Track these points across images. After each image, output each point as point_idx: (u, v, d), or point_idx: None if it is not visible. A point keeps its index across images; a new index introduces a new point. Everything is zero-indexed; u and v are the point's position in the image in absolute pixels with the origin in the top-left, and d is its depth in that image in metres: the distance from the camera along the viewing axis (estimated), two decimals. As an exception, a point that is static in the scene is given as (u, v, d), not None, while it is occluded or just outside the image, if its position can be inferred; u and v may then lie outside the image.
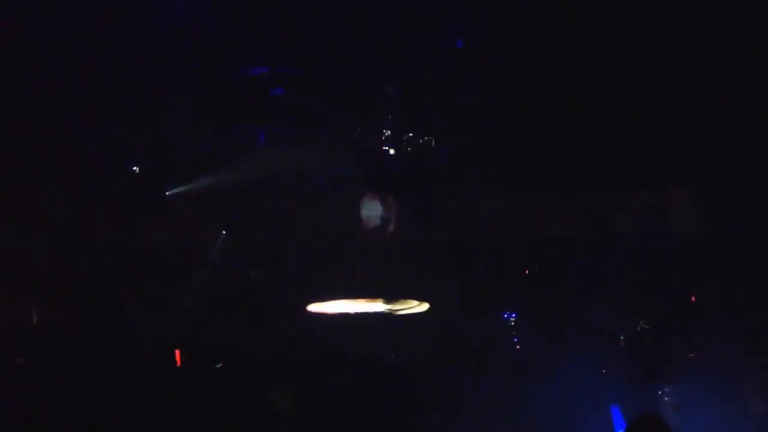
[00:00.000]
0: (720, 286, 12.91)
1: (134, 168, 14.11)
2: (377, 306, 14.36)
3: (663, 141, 12.69)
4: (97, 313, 13.14)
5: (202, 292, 14.35)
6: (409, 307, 14.39)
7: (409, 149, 13.83)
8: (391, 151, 14.05)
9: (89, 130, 12.75)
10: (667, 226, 13.78)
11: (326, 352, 13.12)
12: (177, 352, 12.91)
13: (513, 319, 13.93)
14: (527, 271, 14.24)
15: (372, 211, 14.42)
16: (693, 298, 13.34)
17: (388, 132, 13.79)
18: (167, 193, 14.05)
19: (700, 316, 12.72)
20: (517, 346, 13.57)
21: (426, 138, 13.58)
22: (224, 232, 14.69)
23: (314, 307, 14.22)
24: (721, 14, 10.81)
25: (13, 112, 11.86)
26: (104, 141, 12.97)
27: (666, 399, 10.28)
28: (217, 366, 12.96)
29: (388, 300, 14.33)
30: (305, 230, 14.56)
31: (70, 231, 13.45)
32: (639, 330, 12.65)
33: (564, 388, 10.27)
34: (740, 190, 12.59)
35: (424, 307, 14.35)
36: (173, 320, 13.68)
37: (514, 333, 13.76)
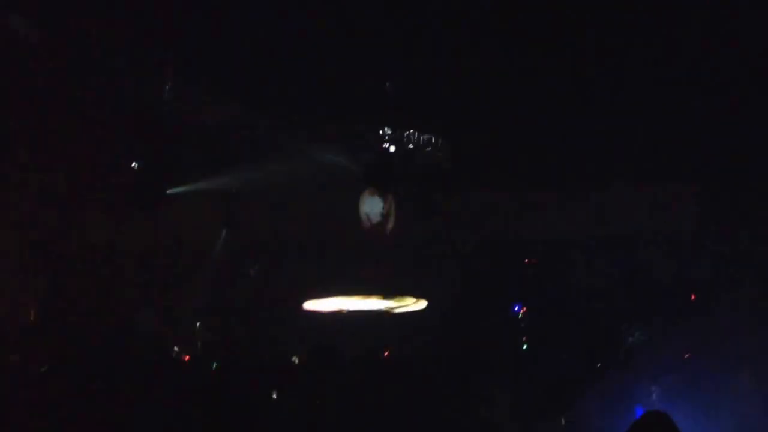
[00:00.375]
0: (719, 285, 12.92)
1: (133, 164, 14.09)
2: (375, 303, 14.34)
3: (663, 140, 12.71)
4: (95, 310, 13.13)
5: (202, 289, 14.38)
6: (407, 305, 14.36)
7: (409, 146, 13.86)
8: (392, 148, 14.06)
9: (88, 127, 12.73)
10: (667, 225, 13.83)
11: (324, 350, 13.05)
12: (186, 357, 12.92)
13: (522, 313, 13.91)
14: (527, 270, 14.23)
15: (371, 208, 14.41)
16: (693, 297, 13.35)
17: (389, 129, 13.80)
18: (168, 192, 14.06)
19: (700, 315, 12.71)
20: (524, 341, 13.57)
21: (427, 136, 13.59)
22: (224, 230, 14.71)
23: (312, 305, 14.20)
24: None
25: (13, 111, 11.84)
26: (104, 138, 12.97)
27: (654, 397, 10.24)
28: (214, 365, 12.91)
29: (386, 297, 14.31)
30: (304, 228, 14.55)
31: (69, 228, 13.45)
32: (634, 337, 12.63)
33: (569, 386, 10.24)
34: (741, 190, 12.63)
35: (422, 304, 14.32)
36: (172, 317, 13.69)
37: (522, 326, 13.76)
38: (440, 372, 11.61)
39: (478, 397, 10.31)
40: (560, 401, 10.21)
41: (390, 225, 14.41)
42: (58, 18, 10.85)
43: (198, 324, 13.96)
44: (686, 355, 11.52)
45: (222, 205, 14.82)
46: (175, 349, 12.80)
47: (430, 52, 12.22)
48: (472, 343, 13.41)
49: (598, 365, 11.72)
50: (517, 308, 14.09)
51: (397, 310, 14.40)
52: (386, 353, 12.66)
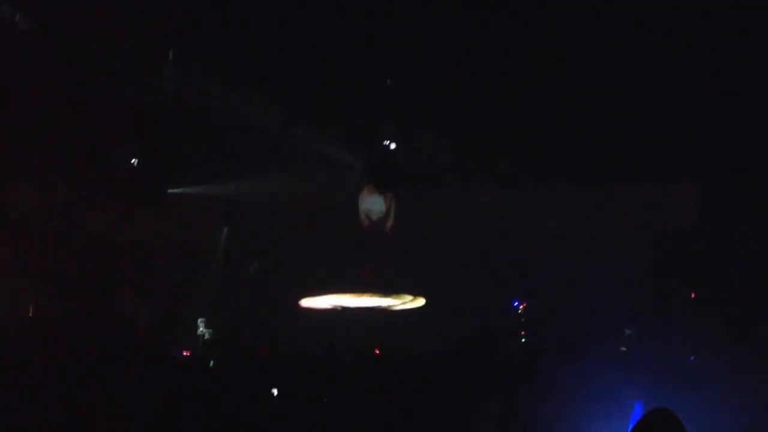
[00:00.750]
0: (719, 283, 12.93)
1: (133, 161, 14.07)
2: (374, 301, 14.32)
3: (664, 139, 12.72)
4: (95, 308, 13.12)
5: (203, 287, 14.39)
6: (404, 303, 14.34)
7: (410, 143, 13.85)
8: (392, 146, 14.06)
9: (89, 125, 12.72)
10: (666, 223, 13.83)
11: (324, 347, 13.09)
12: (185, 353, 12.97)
13: (521, 308, 13.92)
14: (526, 266, 14.19)
15: (371, 206, 14.39)
16: (693, 295, 13.35)
17: (389, 126, 13.79)
18: (169, 191, 14.07)
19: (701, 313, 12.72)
20: (522, 335, 13.56)
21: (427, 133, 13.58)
22: (225, 228, 14.73)
23: (312, 303, 14.19)
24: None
25: (14, 107, 11.83)
26: (104, 134, 12.96)
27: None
28: (213, 363, 12.94)
29: (385, 295, 14.29)
30: (305, 226, 14.52)
31: (69, 224, 13.43)
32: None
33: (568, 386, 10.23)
34: (741, 188, 12.63)
35: (420, 302, 14.30)
36: (172, 315, 13.70)
37: (522, 321, 13.76)
38: (440, 371, 11.61)
39: (477, 396, 10.32)
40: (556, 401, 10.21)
41: (390, 223, 14.40)
42: (61, 12, 10.85)
43: (199, 321, 13.99)
44: (690, 357, 11.56)
45: (223, 204, 14.83)
46: (175, 347, 12.84)
47: (429, 51, 12.24)
48: (471, 341, 13.40)
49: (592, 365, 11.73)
50: (516, 303, 14.10)
51: (395, 308, 14.39)
52: (377, 351, 12.68)
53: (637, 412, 9.17)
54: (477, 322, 13.68)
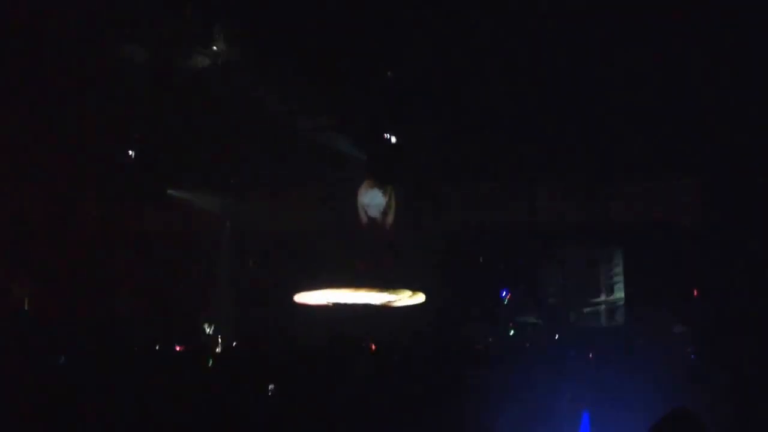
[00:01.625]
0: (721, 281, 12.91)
1: (130, 152, 14.02)
2: (373, 297, 14.29)
3: (666, 135, 12.72)
4: (94, 304, 13.09)
5: (204, 283, 14.39)
6: (403, 298, 14.30)
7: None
8: (393, 140, 14.02)
9: (87, 119, 12.68)
10: (668, 219, 13.84)
11: (322, 343, 13.05)
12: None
13: (508, 297, 13.91)
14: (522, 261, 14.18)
15: (371, 200, 14.36)
16: (695, 293, 13.35)
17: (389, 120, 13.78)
18: (168, 192, 14.07)
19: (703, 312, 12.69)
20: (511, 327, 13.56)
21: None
22: (227, 223, 14.74)
23: (311, 297, 14.15)
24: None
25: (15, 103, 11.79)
26: (104, 128, 12.92)
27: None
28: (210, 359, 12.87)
29: (384, 291, 14.26)
30: (305, 222, 14.49)
31: (67, 220, 13.41)
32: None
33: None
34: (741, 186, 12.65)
35: (420, 297, 14.27)
36: (171, 310, 13.68)
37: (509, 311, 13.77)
38: (436, 366, 11.55)
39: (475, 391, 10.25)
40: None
41: (390, 218, 14.36)
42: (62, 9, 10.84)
43: (199, 317, 13.96)
44: (687, 349, 11.53)
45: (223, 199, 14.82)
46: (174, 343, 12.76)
47: (429, 47, 12.22)
48: (466, 337, 13.34)
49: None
50: (504, 293, 14.08)
51: (395, 304, 14.34)
52: (373, 346, 12.65)
53: (585, 423, 9.02)
54: (474, 319, 13.67)
